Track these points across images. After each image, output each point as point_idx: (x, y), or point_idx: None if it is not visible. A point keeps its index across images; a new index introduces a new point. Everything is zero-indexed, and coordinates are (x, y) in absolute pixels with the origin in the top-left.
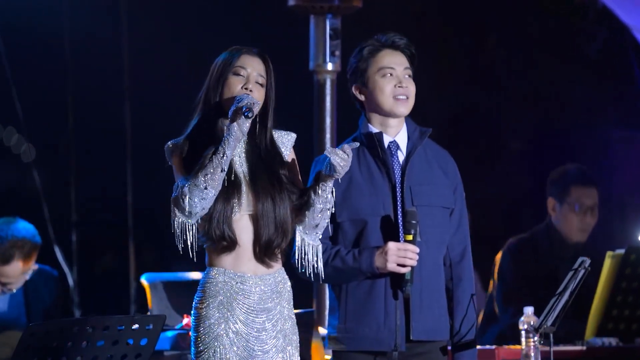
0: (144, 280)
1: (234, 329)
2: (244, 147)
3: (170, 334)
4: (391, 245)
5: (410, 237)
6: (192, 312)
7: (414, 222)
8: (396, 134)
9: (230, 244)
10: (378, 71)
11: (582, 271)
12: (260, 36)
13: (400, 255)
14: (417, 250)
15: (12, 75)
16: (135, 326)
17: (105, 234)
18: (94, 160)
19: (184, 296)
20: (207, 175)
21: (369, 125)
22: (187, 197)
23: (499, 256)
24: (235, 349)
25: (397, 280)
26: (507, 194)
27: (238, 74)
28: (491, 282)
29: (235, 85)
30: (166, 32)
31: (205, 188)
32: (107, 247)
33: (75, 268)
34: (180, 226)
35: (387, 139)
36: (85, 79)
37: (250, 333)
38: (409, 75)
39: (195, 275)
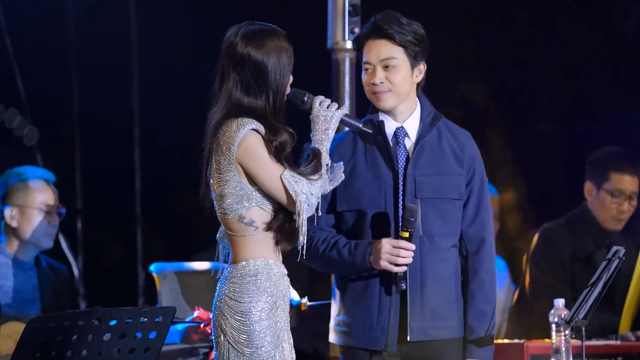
0: (152, 271)
1: (286, 323)
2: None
3: (180, 327)
4: (384, 242)
5: (406, 235)
6: (232, 305)
7: (412, 219)
8: (405, 120)
9: (294, 231)
10: (362, 66)
11: (616, 261)
12: (275, 12)
13: (393, 253)
14: (413, 247)
15: (14, 55)
16: (144, 319)
17: (112, 221)
18: (100, 144)
19: (194, 287)
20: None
21: (378, 112)
22: (317, 199)
23: (533, 242)
24: (290, 342)
25: (391, 277)
26: (537, 178)
27: (291, 71)
28: (524, 271)
29: (289, 83)
30: (177, 9)
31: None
32: (114, 235)
33: (81, 258)
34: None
35: (394, 125)
36: (91, 58)
37: (287, 324)
38: (390, 66)
39: (206, 265)
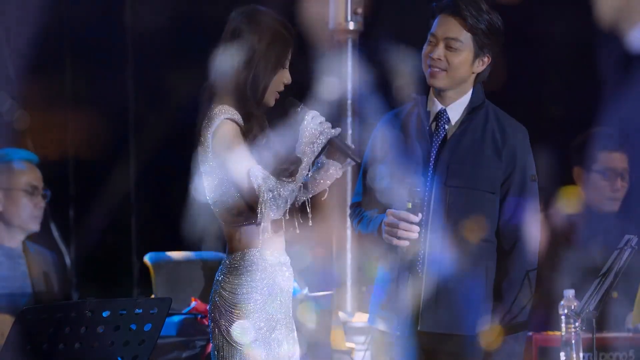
0: (147, 260)
1: (283, 313)
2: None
3: (176, 318)
4: (388, 213)
5: (409, 206)
6: (225, 297)
7: (416, 189)
8: (451, 103)
9: (282, 221)
10: (428, 37)
11: (628, 250)
12: None
13: (393, 225)
14: (415, 219)
15: (5, 35)
16: (139, 310)
17: (105, 209)
18: (94, 128)
19: (191, 278)
20: (298, 189)
21: (425, 92)
22: (285, 202)
23: None
24: (291, 335)
25: (410, 263)
26: (546, 165)
27: (285, 68)
28: None
29: (281, 80)
30: None
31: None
32: (108, 223)
33: (73, 247)
34: (266, 217)
35: (437, 107)
36: (85, 38)
37: (286, 316)
38: (452, 47)
39: (203, 255)
